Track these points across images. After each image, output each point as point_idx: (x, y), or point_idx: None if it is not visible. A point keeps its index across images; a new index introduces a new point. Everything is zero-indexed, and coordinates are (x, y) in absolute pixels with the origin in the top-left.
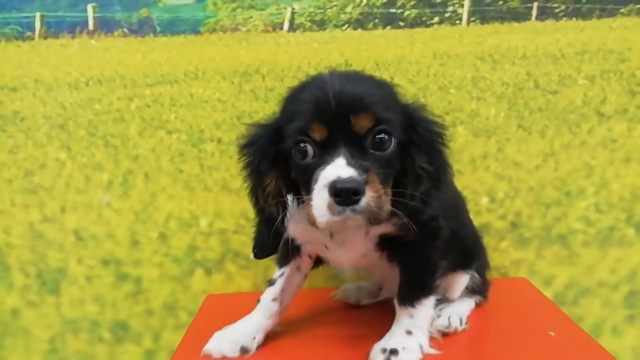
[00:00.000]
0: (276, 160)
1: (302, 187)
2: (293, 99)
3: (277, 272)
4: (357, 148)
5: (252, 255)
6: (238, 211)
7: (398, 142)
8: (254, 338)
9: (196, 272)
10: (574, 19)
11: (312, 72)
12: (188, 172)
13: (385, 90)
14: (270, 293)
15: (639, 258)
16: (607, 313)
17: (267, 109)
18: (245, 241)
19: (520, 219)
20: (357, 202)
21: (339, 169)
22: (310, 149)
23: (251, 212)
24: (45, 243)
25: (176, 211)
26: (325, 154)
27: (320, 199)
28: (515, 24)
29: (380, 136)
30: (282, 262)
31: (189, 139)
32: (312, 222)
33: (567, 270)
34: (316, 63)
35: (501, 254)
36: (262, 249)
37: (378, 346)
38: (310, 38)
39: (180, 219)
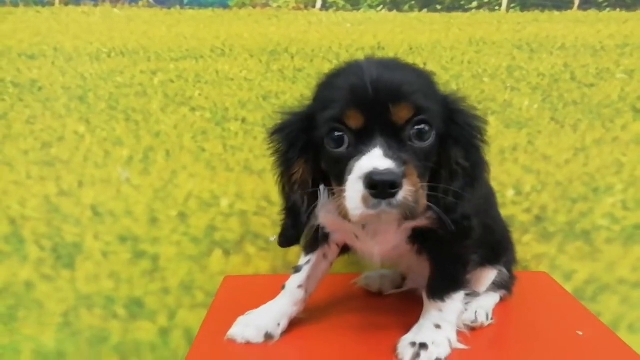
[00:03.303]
0: (306, 148)
1: (333, 177)
2: (327, 86)
3: (303, 259)
4: (395, 139)
5: (271, 238)
6: (259, 193)
7: (437, 134)
8: (279, 324)
9: (214, 253)
10: (617, 9)
11: (344, 54)
12: (210, 151)
13: (425, 79)
14: (296, 280)
15: None
16: (625, 310)
17: (294, 89)
18: (265, 223)
19: (545, 213)
20: (394, 195)
21: (376, 160)
22: (345, 137)
23: (273, 195)
24: (61, 217)
25: (196, 190)
26: (360, 143)
27: (354, 190)
28: (556, 13)
29: (419, 127)
30: (309, 249)
31: (212, 117)
32: (344, 215)
33: (589, 266)
34: (348, 45)
35: (524, 248)
36: (286, 238)
37: (406, 339)
38: (342, 18)
39: (201, 198)
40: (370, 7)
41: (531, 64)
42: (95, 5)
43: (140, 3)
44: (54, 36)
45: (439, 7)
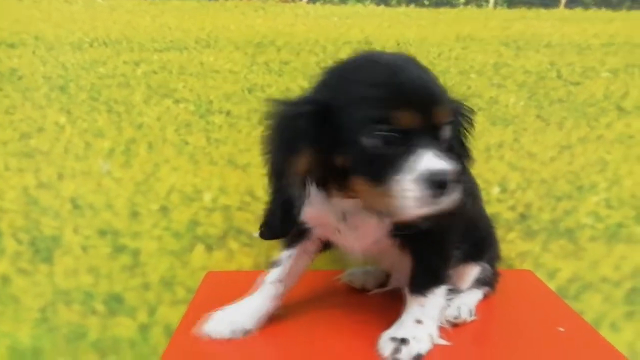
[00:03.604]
0: (317, 141)
1: (364, 175)
2: (358, 81)
3: (283, 253)
4: (434, 139)
5: (255, 234)
6: (243, 187)
7: None
8: (256, 320)
9: (196, 248)
10: (603, 8)
11: (330, 48)
12: (194, 144)
13: None
14: (275, 274)
15: None
16: (607, 308)
17: (280, 82)
18: (249, 218)
19: (530, 211)
20: (448, 193)
21: (435, 160)
22: (391, 136)
23: (257, 190)
24: (39, 210)
25: (179, 184)
26: (409, 143)
27: (410, 190)
28: (542, 10)
29: (447, 130)
30: (289, 243)
31: (196, 110)
32: (392, 213)
33: (572, 264)
34: (334, 38)
35: (508, 245)
36: (271, 230)
37: (387, 335)
38: (330, 11)
39: (183, 192)
40: (358, 0)
41: (517, 61)
42: None
43: None
44: (35, 24)
45: (426, 2)
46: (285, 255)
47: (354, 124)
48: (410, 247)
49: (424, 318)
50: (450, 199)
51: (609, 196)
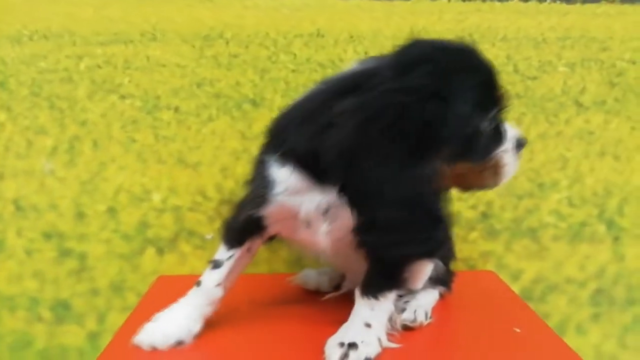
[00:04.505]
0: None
1: (471, 157)
2: (457, 68)
3: (224, 253)
4: None
5: (208, 236)
6: (194, 187)
7: None
8: (191, 328)
9: (147, 251)
10: (557, 1)
11: (281, 40)
12: (141, 142)
13: None
14: (214, 277)
15: (608, 255)
16: (572, 310)
17: (229, 76)
18: (200, 220)
19: (492, 210)
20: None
21: (513, 128)
22: (497, 116)
23: (208, 190)
24: None
25: (127, 184)
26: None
27: (511, 157)
28: (497, 4)
29: None
30: (234, 242)
31: (143, 106)
32: (495, 183)
33: (536, 265)
34: (285, 31)
35: (470, 245)
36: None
37: (334, 340)
38: (280, 3)
39: (131, 192)
40: None
41: None
42: None
43: None
44: None
45: None
46: (227, 256)
47: (469, 111)
48: (367, 248)
49: (373, 322)
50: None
51: (570, 194)
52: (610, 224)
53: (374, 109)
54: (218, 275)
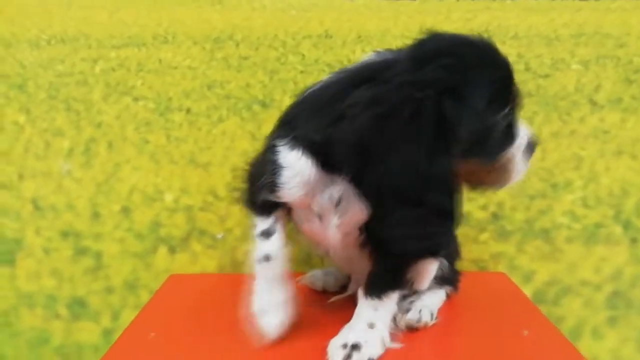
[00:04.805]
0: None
1: (482, 154)
2: (474, 64)
3: (265, 222)
4: None
5: (219, 235)
6: (205, 187)
7: None
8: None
9: (159, 250)
10: None
11: (290, 42)
12: (154, 143)
13: None
14: (274, 243)
15: (625, 257)
16: (588, 314)
17: (239, 78)
18: (212, 219)
19: (503, 211)
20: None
21: (526, 129)
22: (510, 114)
23: (219, 189)
24: (0, 211)
25: (140, 184)
26: (513, 118)
27: (519, 156)
28: (507, 1)
29: None
30: (264, 212)
31: (156, 108)
32: (498, 185)
33: (549, 266)
34: (294, 32)
35: (480, 246)
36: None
37: (337, 341)
38: (288, 4)
39: (144, 192)
40: None
41: None
42: None
43: None
44: None
45: None
46: (269, 223)
47: (484, 107)
48: (373, 245)
49: (377, 321)
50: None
51: (585, 194)
52: (627, 225)
53: (389, 102)
54: (276, 239)
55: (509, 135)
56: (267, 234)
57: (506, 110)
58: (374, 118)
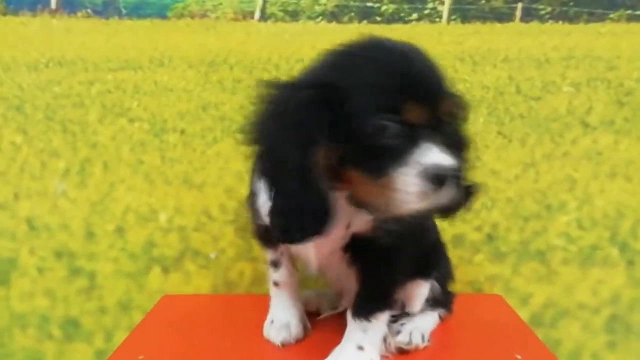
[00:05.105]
0: (331, 128)
1: (363, 166)
2: (367, 66)
3: (271, 254)
4: (439, 134)
5: (212, 255)
6: (199, 207)
7: None
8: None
9: (153, 270)
10: (560, 22)
11: (283, 65)
12: (149, 164)
13: None
14: (282, 272)
15: (622, 280)
16: (586, 338)
17: (234, 100)
18: (205, 240)
19: (497, 232)
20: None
21: (440, 155)
22: (396, 128)
23: (213, 210)
24: None
25: (134, 204)
26: (414, 136)
27: (411, 184)
28: (497, 25)
29: (452, 124)
30: (269, 244)
31: (151, 129)
32: (386, 207)
33: (546, 289)
34: (287, 56)
35: (475, 268)
36: (303, 231)
37: None
38: (282, 29)
39: (139, 212)
40: (310, 18)
41: (474, 76)
42: (34, 16)
43: (79, 13)
44: None
45: (378, 18)
46: (276, 254)
47: (362, 111)
48: (358, 265)
49: (366, 344)
50: (449, 195)
51: (580, 216)
52: (623, 247)
53: (281, 103)
54: (283, 269)
55: (401, 151)
56: (274, 264)
57: (396, 121)
58: (269, 119)
